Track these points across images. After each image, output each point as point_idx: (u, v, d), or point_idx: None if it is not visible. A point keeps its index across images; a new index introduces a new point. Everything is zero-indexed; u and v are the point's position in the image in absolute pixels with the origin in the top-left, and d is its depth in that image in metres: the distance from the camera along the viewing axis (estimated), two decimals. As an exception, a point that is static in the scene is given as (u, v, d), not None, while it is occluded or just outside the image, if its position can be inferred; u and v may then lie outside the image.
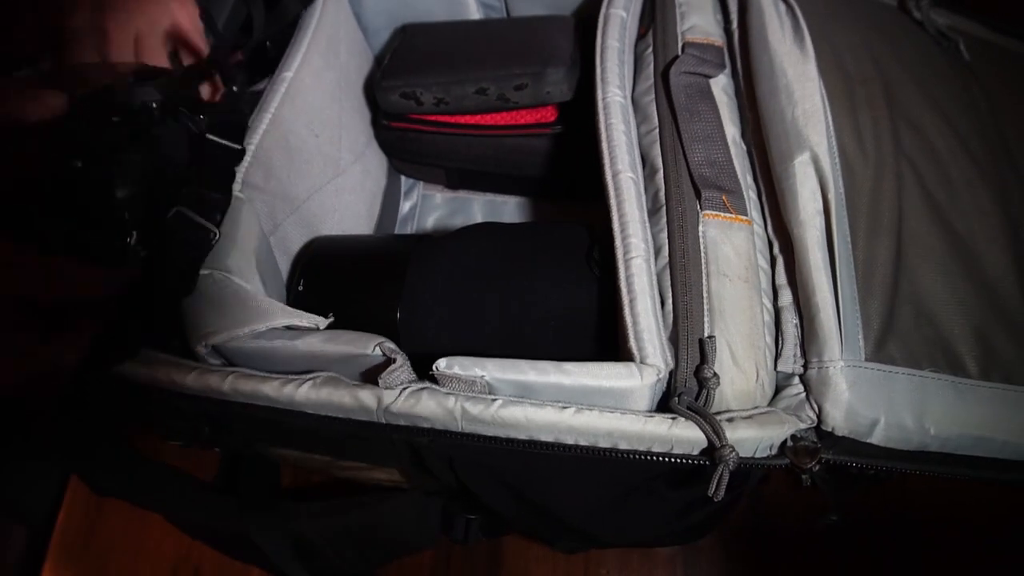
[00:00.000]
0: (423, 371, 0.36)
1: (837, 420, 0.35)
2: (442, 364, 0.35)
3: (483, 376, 0.34)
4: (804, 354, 0.38)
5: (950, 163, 0.46)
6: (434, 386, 0.36)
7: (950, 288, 0.41)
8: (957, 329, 0.39)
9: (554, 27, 0.58)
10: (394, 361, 0.35)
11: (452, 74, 0.55)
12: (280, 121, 0.48)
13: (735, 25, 0.50)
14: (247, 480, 0.52)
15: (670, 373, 0.36)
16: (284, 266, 0.49)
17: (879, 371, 0.36)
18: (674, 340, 0.37)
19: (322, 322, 0.38)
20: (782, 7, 0.48)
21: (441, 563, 0.67)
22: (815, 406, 0.36)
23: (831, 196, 0.39)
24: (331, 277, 0.47)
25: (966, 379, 0.38)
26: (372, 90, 0.59)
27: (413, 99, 0.56)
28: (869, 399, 0.35)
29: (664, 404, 0.37)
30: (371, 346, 0.36)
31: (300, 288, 0.45)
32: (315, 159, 0.52)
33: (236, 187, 0.43)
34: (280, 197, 0.48)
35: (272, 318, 0.37)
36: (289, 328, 0.38)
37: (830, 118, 0.43)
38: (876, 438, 0.36)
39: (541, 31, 0.58)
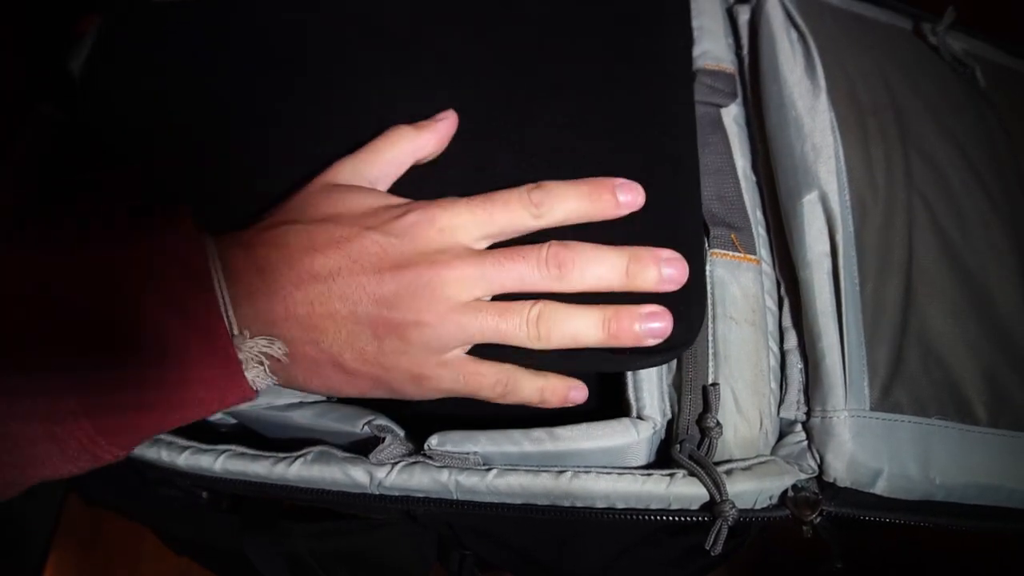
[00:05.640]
0: (423, 431, 0.36)
1: (839, 471, 0.35)
2: (433, 441, 0.34)
3: (476, 451, 0.34)
4: (807, 401, 0.37)
5: (963, 198, 0.45)
6: (427, 461, 0.35)
7: (960, 330, 0.40)
8: (967, 373, 0.39)
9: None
10: (383, 440, 0.35)
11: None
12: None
13: (746, 51, 0.50)
14: (249, 500, 0.52)
15: (670, 421, 0.36)
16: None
17: (884, 420, 0.36)
18: (677, 386, 0.36)
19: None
20: (794, 34, 0.47)
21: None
22: (817, 456, 0.35)
23: (839, 237, 0.39)
24: None
25: (974, 426, 0.37)
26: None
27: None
28: (873, 449, 0.35)
29: (664, 452, 0.36)
30: (360, 425, 0.35)
31: None
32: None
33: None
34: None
35: (272, 395, 0.37)
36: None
37: (841, 152, 0.42)
38: (879, 488, 0.35)
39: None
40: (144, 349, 0.28)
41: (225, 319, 0.29)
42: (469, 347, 0.32)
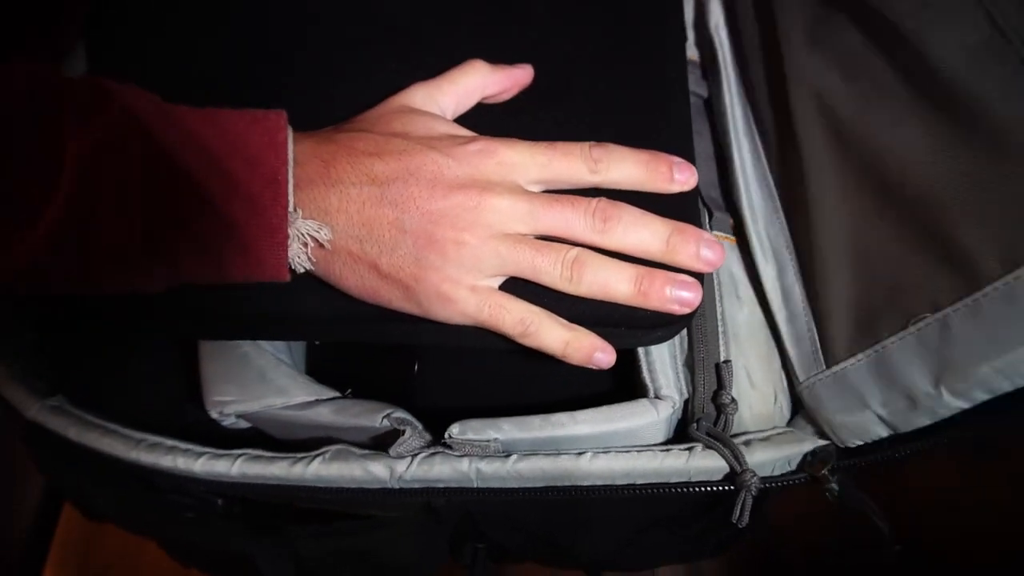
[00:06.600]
0: (438, 423, 0.35)
1: (838, 433, 0.34)
2: (455, 430, 0.34)
3: (497, 438, 0.34)
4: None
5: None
6: (447, 451, 0.35)
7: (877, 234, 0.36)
8: (899, 273, 0.32)
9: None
10: (403, 432, 0.35)
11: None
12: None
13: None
14: (256, 505, 0.51)
15: (686, 401, 0.36)
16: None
17: (844, 369, 0.34)
18: (690, 365, 0.37)
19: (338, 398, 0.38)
20: None
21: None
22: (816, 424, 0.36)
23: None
24: None
25: (921, 325, 0.30)
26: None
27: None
28: (846, 403, 0.33)
29: (681, 431, 0.37)
30: (379, 418, 0.35)
31: (317, 342, 0.45)
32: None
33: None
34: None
35: (288, 395, 0.36)
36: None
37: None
38: (883, 430, 0.33)
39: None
40: (211, 195, 0.29)
41: (286, 194, 0.30)
42: (502, 280, 0.33)
